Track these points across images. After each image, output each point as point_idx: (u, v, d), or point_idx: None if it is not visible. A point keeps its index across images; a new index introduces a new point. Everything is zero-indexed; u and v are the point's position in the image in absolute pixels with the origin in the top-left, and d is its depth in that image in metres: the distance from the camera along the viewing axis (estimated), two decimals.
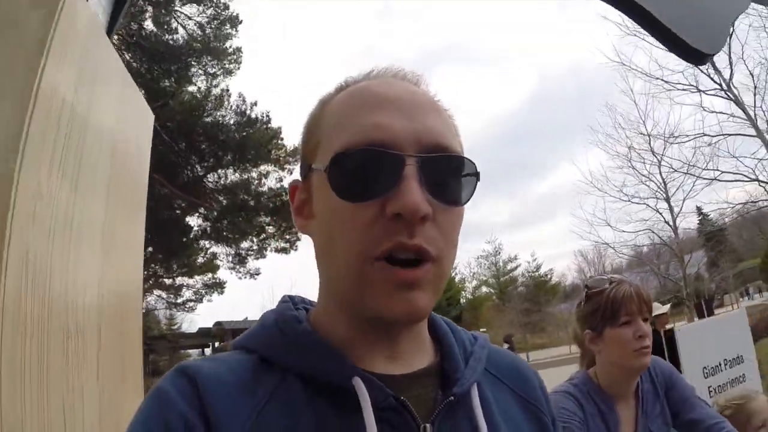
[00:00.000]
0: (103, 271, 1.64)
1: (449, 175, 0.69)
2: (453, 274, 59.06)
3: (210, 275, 25.13)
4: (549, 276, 53.12)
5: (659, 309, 8.42)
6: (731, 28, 3.77)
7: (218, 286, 25.83)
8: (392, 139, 0.66)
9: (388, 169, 0.65)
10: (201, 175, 19.18)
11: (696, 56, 3.36)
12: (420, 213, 0.64)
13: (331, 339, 0.71)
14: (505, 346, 7.46)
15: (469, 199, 0.72)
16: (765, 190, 14.21)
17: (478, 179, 0.72)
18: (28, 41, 1.35)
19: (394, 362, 0.73)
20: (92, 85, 1.62)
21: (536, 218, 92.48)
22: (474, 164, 0.72)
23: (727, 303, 30.53)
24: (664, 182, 16.63)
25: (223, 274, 25.06)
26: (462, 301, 54.41)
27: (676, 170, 15.78)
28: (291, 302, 0.80)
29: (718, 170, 14.54)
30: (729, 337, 5.46)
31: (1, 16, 1.36)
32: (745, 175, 14.17)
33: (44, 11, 1.39)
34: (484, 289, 56.52)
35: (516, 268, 54.27)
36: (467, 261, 54.77)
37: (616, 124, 17.62)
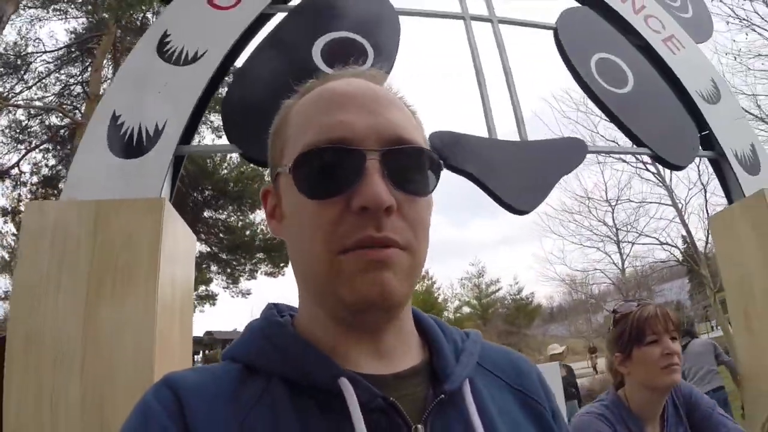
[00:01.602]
0: None
1: (411, 166, 0.70)
2: (435, 294, 60.34)
3: (203, 287, 26.01)
4: (530, 299, 54.20)
5: (555, 349, 9.58)
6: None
7: (210, 298, 26.69)
8: (353, 135, 0.67)
9: (350, 165, 0.66)
10: (203, 214, 20.34)
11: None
12: (384, 204, 0.64)
13: (315, 341, 0.70)
14: None
15: (433, 189, 0.72)
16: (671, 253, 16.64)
17: (441, 168, 0.73)
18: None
19: (380, 361, 0.71)
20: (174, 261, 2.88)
21: (525, 237, 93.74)
22: (434, 155, 0.72)
23: (703, 331, 31.59)
24: (616, 228, 18.40)
25: (214, 287, 26.03)
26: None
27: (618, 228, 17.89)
28: (275, 309, 0.79)
29: (639, 233, 17.08)
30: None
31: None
32: (657, 239, 16.42)
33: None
34: (466, 309, 57.38)
35: (498, 290, 55.23)
36: (450, 282, 55.68)
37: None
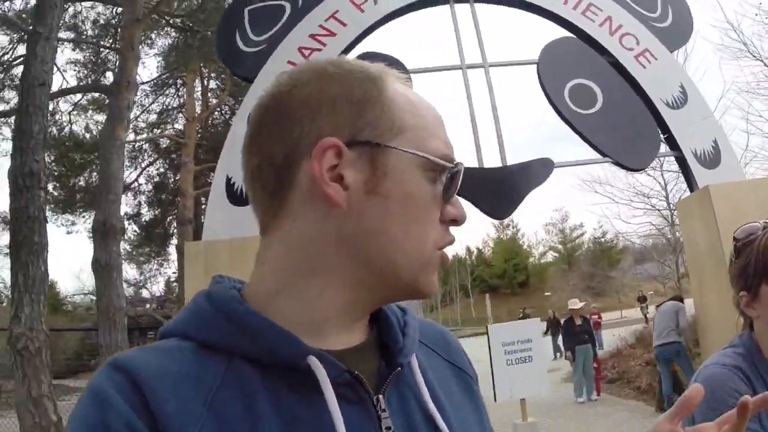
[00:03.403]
0: None
1: None
2: (520, 242, 61.51)
3: None
4: (615, 242, 54.28)
5: (575, 304, 11.11)
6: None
7: None
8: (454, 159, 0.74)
9: (457, 185, 0.73)
10: None
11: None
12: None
13: (277, 319, 0.67)
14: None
15: None
16: None
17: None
18: None
19: (340, 336, 0.71)
20: None
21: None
22: None
23: None
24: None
25: None
26: (528, 266, 56.46)
27: None
28: (224, 282, 0.75)
29: None
30: None
31: None
32: None
33: None
34: (551, 255, 58.24)
35: (582, 234, 55.63)
36: (534, 230, 56.49)
37: None
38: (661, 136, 6.53)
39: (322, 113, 0.69)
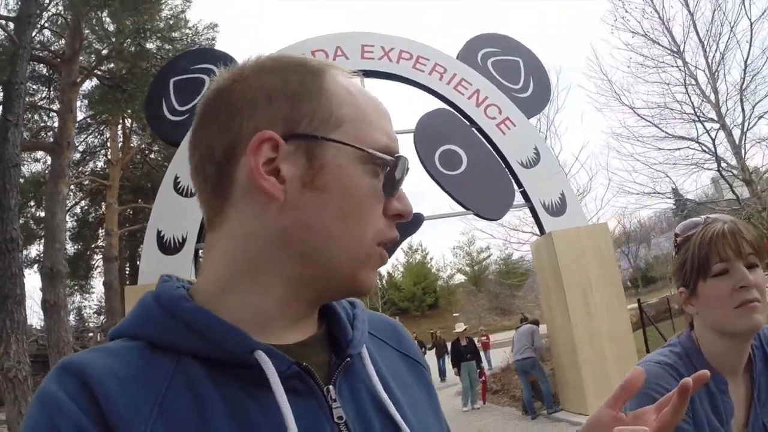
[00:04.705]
0: None
1: None
2: (428, 265, 63.50)
3: None
4: (520, 262, 56.50)
5: (460, 328, 12.92)
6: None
7: None
8: (398, 151, 0.73)
9: (402, 180, 0.71)
10: None
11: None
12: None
13: (224, 317, 0.66)
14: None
15: None
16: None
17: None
18: None
19: (288, 331, 0.71)
20: None
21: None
22: None
23: None
24: None
25: None
26: (436, 289, 58.47)
27: None
28: (171, 281, 0.73)
29: None
30: None
31: None
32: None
33: None
34: (459, 277, 60.48)
35: (489, 257, 58.07)
36: (442, 252, 58.30)
37: None
38: (517, 190, 8.11)
39: (259, 107, 0.68)
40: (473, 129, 8.17)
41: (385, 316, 0.92)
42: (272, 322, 0.69)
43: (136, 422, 0.57)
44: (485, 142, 8.16)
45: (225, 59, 7.78)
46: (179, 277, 0.74)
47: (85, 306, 27.23)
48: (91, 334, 23.37)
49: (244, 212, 0.68)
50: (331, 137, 0.68)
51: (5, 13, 9.95)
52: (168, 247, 6.30)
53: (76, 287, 24.09)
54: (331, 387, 0.68)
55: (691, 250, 1.38)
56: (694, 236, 1.39)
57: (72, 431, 0.55)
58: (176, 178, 6.71)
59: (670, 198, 16.33)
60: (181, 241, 6.36)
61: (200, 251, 6.76)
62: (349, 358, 0.72)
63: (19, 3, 10.06)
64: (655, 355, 1.43)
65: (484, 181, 7.78)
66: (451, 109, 8.23)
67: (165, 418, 0.59)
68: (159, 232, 6.38)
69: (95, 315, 27.06)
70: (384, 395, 0.72)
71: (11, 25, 9.51)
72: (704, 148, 13.87)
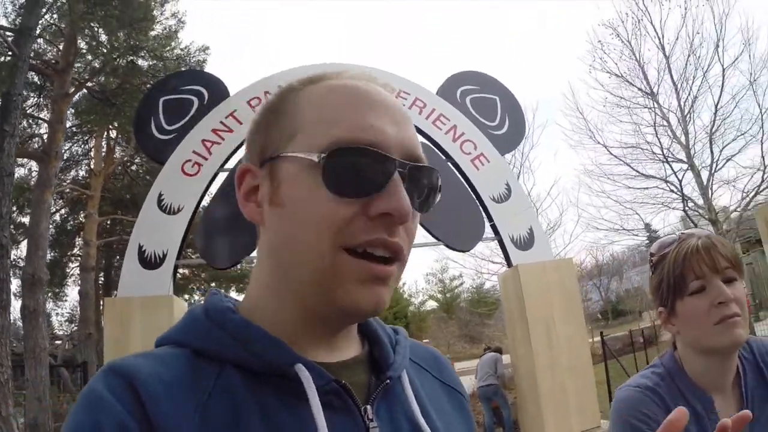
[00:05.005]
0: None
1: (426, 185, 0.71)
2: (401, 290, 63.63)
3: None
4: (491, 291, 57.02)
5: None
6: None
7: None
8: (384, 143, 0.67)
9: (380, 171, 0.66)
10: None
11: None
12: (408, 216, 0.66)
13: (268, 329, 0.68)
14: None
15: (431, 209, 0.75)
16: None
17: (440, 191, 0.75)
18: None
19: (328, 351, 0.72)
20: None
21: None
22: (440, 179, 0.75)
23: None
24: None
25: None
26: (408, 314, 58.51)
27: None
28: (220, 296, 0.76)
29: None
30: None
31: None
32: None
33: None
34: (431, 303, 60.59)
35: (461, 284, 58.29)
36: (414, 279, 58.27)
37: None
38: (488, 224, 8.47)
39: (249, 143, 0.76)
40: (449, 163, 8.48)
41: (428, 346, 0.93)
42: (301, 338, 0.70)
43: (179, 425, 0.59)
44: (459, 176, 8.49)
45: (215, 82, 8.15)
46: (226, 294, 0.78)
47: (57, 313, 26.92)
48: (58, 342, 23.01)
49: (259, 236, 0.75)
50: (285, 152, 0.69)
51: (6, 24, 10.08)
52: (148, 262, 6.53)
53: (50, 294, 23.98)
54: (368, 407, 0.69)
55: (666, 269, 1.37)
56: (669, 254, 1.38)
57: (114, 428, 0.57)
58: (160, 194, 6.95)
59: (636, 235, 16.89)
60: (161, 256, 6.59)
61: (179, 268, 6.98)
62: (388, 381, 0.73)
63: (21, 15, 10.25)
64: (636, 378, 1.42)
65: (457, 214, 8.11)
66: (429, 143, 8.54)
67: (205, 423, 0.61)
68: (140, 247, 6.60)
69: (66, 323, 26.67)
70: (421, 419, 0.73)
71: (9, 34, 9.75)
72: (672, 187, 14.51)
